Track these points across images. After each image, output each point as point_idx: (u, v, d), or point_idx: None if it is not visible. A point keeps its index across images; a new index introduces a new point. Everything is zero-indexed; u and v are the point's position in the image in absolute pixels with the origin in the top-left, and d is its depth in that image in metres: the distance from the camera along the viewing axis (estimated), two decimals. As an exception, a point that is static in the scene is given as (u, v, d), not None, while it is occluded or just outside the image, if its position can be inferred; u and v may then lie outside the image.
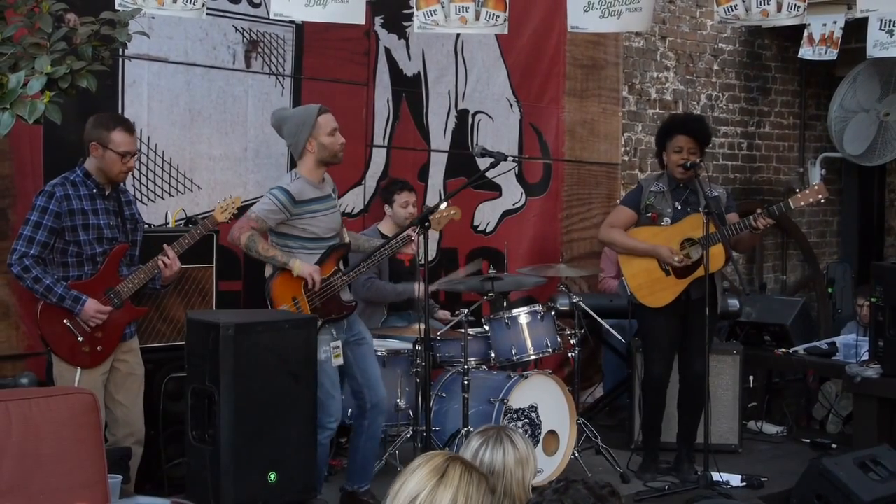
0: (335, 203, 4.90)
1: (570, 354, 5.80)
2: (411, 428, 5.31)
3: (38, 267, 4.31)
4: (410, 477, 2.40)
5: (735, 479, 5.40)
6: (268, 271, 4.79)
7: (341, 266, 4.91)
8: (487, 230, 6.95)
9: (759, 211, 5.23)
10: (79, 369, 4.37)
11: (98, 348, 4.43)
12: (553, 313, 5.62)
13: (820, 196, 5.28)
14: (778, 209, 5.25)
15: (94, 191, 4.43)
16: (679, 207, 5.42)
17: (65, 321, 4.36)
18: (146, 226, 5.22)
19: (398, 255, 5.27)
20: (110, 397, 4.54)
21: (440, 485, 2.37)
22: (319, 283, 4.69)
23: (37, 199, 4.37)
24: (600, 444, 5.65)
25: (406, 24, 6.33)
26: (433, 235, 5.70)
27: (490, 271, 5.66)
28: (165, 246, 4.56)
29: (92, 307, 4.36)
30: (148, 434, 4.66)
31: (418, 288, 5.57)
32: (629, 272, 5.48)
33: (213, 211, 4.84)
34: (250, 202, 5.63)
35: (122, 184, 4.59)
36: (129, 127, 4.49)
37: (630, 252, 5.48)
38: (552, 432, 5.34)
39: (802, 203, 5.33)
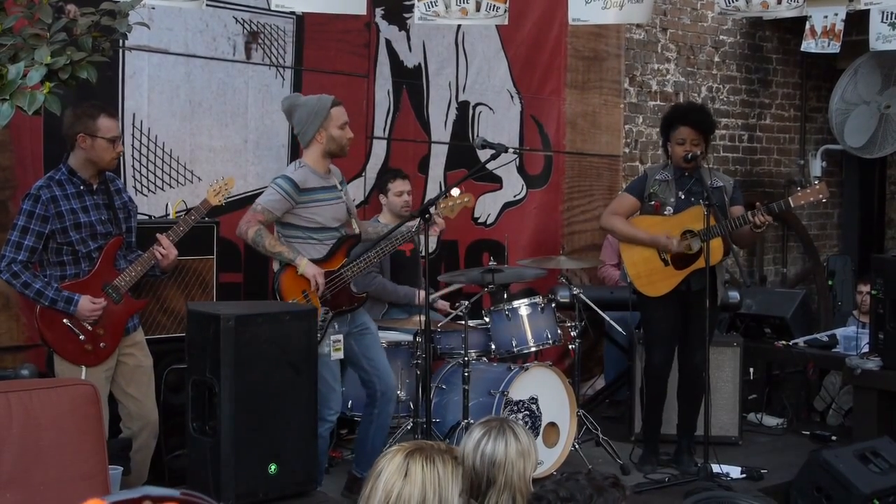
0: (341, 194, 4.88)
1: (570, 346, 5.80)
2: (412, 419, 5.32)
3: (27, 272, 4.28)
4: (377, 482, 2.47)
5: (735, 471, 5.40)
6: (276, 265, 4.79)
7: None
8: (488, 222, 6.95)
9: (758, 206, 5.22)
10: (84, 368, 4.37)
11: (101, 345, 4.41)
12: (553, 305, 5.62)
13: (821, 195, 5.27)
14: (777, 206, 5.24)
15: (81, 188, 4.38)
16: (682, 197, 5.41)
17: (65, 321, 4.34)
18: (146, 217, 5.22)
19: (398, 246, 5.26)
20: (121, 391, 4.53)
21: (406, 484, 2.44)
22: (323, 286, 4.68)
23: (23, 202, 4.33)
24: (600, 435, 5.65)
25: (407, 15, 6.32)
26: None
27: (491, 263, 5.66)
28: (159, 235, 4.52)
29: (85, 305, 4.32)
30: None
31: (418, 296, 5.58)
32: (629, 260, 5.49)
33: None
34: (251, 193, 5.65)
35: (108, 173, 4.53)
36: (111, 112, 4.46)
37: (630, 240, 5.48)
38: (552, 424, 5.35)
39: (803, 202, 5.33)
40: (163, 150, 5.46)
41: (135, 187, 5.29)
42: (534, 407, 5.28)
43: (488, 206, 6.94)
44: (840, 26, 6.42)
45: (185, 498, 1.31)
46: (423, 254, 4.74)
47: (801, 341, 6.62)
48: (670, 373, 5.56)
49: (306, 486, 4.21)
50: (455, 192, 5.01)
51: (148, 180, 5.41)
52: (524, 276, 6.20)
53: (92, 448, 3.49)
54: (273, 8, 5.23)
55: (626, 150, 7.84)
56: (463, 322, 5.32)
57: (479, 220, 6.89)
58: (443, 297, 6.18)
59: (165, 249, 4.50)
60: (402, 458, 2.50)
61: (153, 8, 4.99)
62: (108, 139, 4.36)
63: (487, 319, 5.55)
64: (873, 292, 5.85)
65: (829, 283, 8.86)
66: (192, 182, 5.55)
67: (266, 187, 4.88)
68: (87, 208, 4.38)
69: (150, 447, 4.60)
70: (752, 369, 6.58)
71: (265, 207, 4.68)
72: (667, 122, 5.54)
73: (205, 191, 4.83)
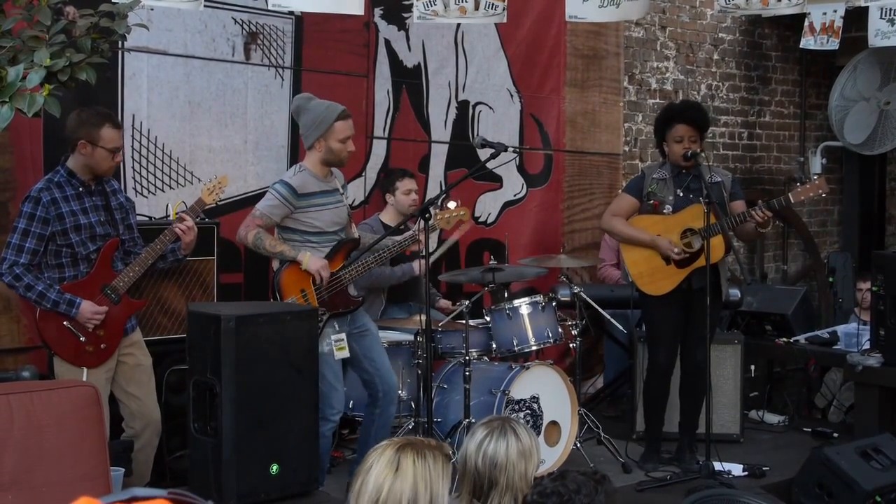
0: (341, 198, 4.89)
1: (571, 345, 5.80)
2: (413, 419, 5.32)
3: (30, 274, 4.28)
4: (367, 477, 2.45)
5: (737, 469, 5.40)
6: (276, 264, 4.80)
7: None
8: (489, 221, 6.95)
9: (759, 202, 5.23)
10: (85, 369, 4.37)
11: (102, 346, 4.42)
12: (554, 304, 5.62)
13: (820, 191, 5.27)
14: (777, 203, 5.24)
15: (80, 189, 4.38)
16: (681, 195, 5.41)
17: (65, 323, 4.34)
18: (146, 218, 5.23)
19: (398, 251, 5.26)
20: (122, 391, 4.53)
21: (397, 478, 2.42)
22: (328, 278, 4.70)
23: (23, 205, 4.33)
24: (602, 434, 5.65)
25: (406, 14, 6.31)
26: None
27: (491, 262, 5.65)
28: (182, 213, 4.56)
29: (87, 309, 4.33)
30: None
31: (418, 267, 5.57)
32: (630, 259, 5.49)
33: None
34: (250, 194, 5.65)
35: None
36: (116, 122, 4.46)
37: (630, 241, 5.48)
38: (554, 423, 5.34)
39: (803, 198, 5.33)
40: (162, 151, 5.46)
41: (135, 188, 5.29)
42: (535, 406, 5.28)
43: (489, 206, 6.94)
44: (839, 23, 6.42)
45: (173, 497, 1.31)
46: (424, 253, 4.73)
47: (801, 338, 6.61)
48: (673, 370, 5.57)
49: (308, 486, 4.22)
50: (452, 205, 5.03)
51: (148, 181, 5.41)
52: (525, 274, 6.20)
53: (93, 449, 3.50)
54: (271, 7, 5.23)
55: (626, 149, 7.83)
56: (464, 321, 5.32)
57: (480, 220, 6.89)
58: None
59: (187, 227, 4.53)
60: (393, 453, 2.48)
61: (152, 9, 4.99)
62: (109, 149, 4.36)
63: (488, 318, 5.55)
64: (874, 289, 5.85)
65: (830, 279, 8.84)
66: (191, 183, 5.55)
67: (266, 189, 4.89)
68: (86, 210, 4.39)
69: (153, 446, 4.60)
70: (753, 367, 6.57)
71: (263, 213, 4.71)
72: (662, 121, 5.52)
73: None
